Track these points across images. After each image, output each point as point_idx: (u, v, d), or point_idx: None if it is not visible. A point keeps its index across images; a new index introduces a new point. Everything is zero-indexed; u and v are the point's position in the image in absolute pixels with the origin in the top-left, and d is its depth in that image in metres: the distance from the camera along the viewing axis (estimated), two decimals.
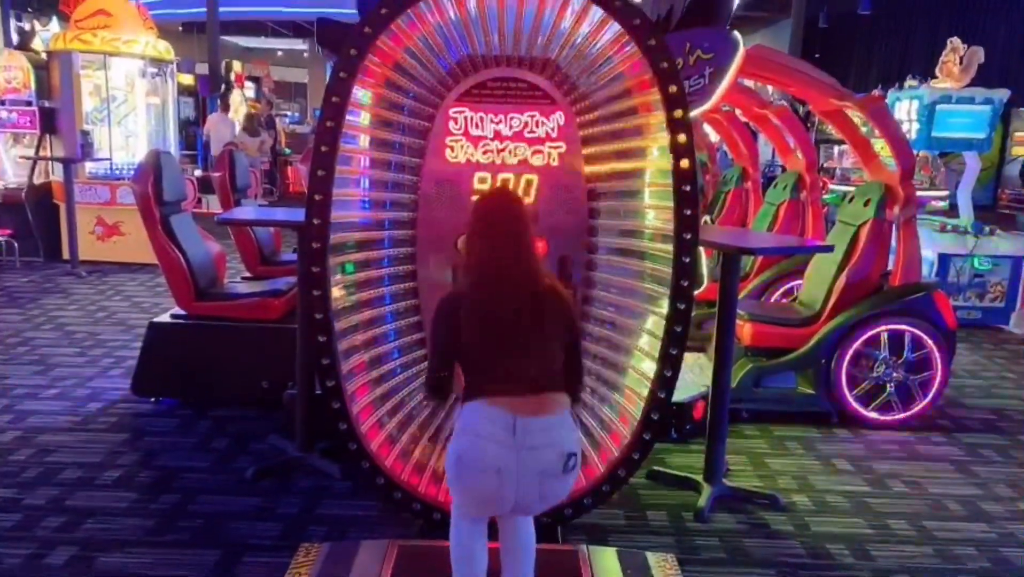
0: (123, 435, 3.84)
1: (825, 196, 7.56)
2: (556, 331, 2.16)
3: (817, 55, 18.11)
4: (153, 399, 4.25)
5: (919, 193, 4.96)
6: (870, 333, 4.23)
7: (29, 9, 14.86)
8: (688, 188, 2.72)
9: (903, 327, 4.24)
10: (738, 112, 6.33)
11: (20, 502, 3.15)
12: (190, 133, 14.19)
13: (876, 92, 8.67)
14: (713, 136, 7.71)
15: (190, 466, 3.52)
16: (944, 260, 6.44)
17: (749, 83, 6.22)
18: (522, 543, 2.29)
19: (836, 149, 11.06)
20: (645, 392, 2.85)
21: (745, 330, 4.30)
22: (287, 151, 15.38)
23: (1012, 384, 5.20)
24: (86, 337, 5.43)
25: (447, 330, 2.17)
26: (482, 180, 2.93)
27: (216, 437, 3.84)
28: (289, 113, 23.15)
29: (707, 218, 6.67)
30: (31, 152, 8.11)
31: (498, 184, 2.91)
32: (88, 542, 2.87)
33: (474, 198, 2.83)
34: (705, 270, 4.09)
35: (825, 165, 10.66)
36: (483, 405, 2.08)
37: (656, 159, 2.88)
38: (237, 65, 16.63)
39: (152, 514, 3.09)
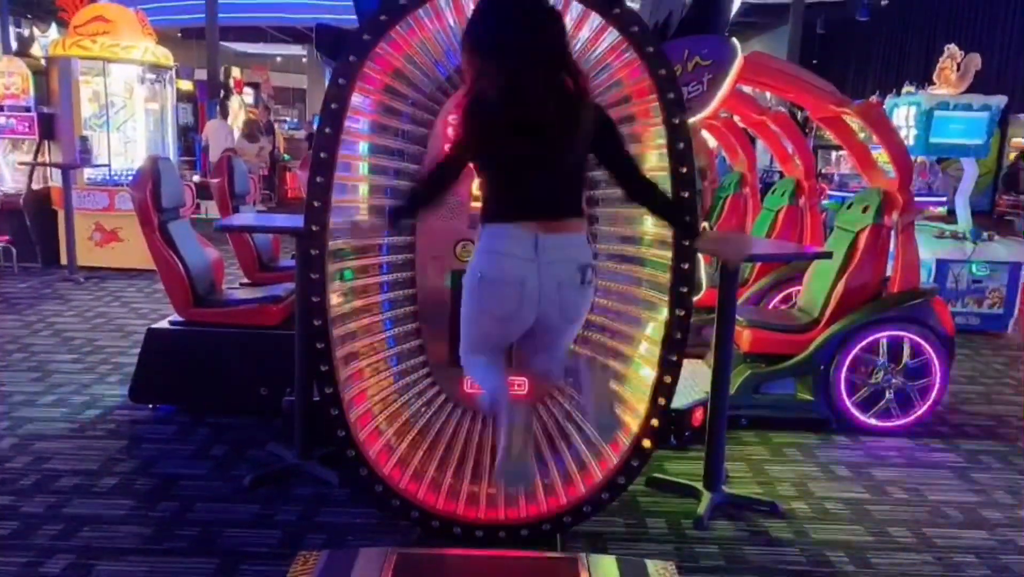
0: (121, 442, 3.83)
1: (823, 202, 7.58)
2: (580, 154, 2.21)
3: (815, 61, 18.20)
4: (151, 406, 4.24)
5: (917, 199, 4.97)
6: (869, 339, 4.23)
7: (28, 15, 14.90)
8: (687, 195, 2.72)
9: (902, 333, 4.24)
10: (736, 118, 6.34)
11: (17, 509, 3.14)
12: (189, 139, 14.18)
13: (874, 98, 8.71)
14: (712, 142, 7.72)
15: (188, 473, 3.51)
16: (942, 266, 6.44)
17: (747, 89, 6.24)
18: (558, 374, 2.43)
19: (834, 155, 11.10)
20: (644, 399, 2.84)
21: (744, 336, 4.30)
22: (286, 157, 15.38)
23: (1011, 390, 5.20)
24: (84, 343, 5.42)
25: (466, 139, 2.19)
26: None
27: (214, 444, 3.83)
28: (288, 119, 23.18)
29: (705, 224, 6.67)
30: (29, 158, 8.10)
31: None
32: (85, 550, 2.86)
33: (474, 204, 2.84)
34: (704, 276, 4.11)
35: (823, 171, 10.68)
36: (506, 226, 2.16)
37: (654, 165, 2.87)
38: (236, 71, 16.63)
39: (150, 522, 3.08)
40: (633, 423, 2.87)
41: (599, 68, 2.87)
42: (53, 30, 10.21)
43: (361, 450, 2.83)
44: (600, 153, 2.27)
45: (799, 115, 10.12)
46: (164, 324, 4.32)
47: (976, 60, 6.59)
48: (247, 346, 4.15)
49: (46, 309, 6.33)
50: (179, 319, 4.28)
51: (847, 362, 4.22)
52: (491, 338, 2.27)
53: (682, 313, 2.77)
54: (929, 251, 6.31)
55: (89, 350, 5.27)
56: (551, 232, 2.16)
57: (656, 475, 3.53)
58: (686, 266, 2.75)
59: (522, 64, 2.11)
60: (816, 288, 4.58)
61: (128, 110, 8.75)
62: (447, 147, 2.29)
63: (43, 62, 8.42)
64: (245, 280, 5.29)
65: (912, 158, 5.32)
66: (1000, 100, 6.58)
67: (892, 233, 4.47)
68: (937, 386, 4.26)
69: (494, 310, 2.21)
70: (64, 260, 7.65)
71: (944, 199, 8.71)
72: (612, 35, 2.76)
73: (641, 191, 2.32)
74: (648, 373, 2.86)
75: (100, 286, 7.24)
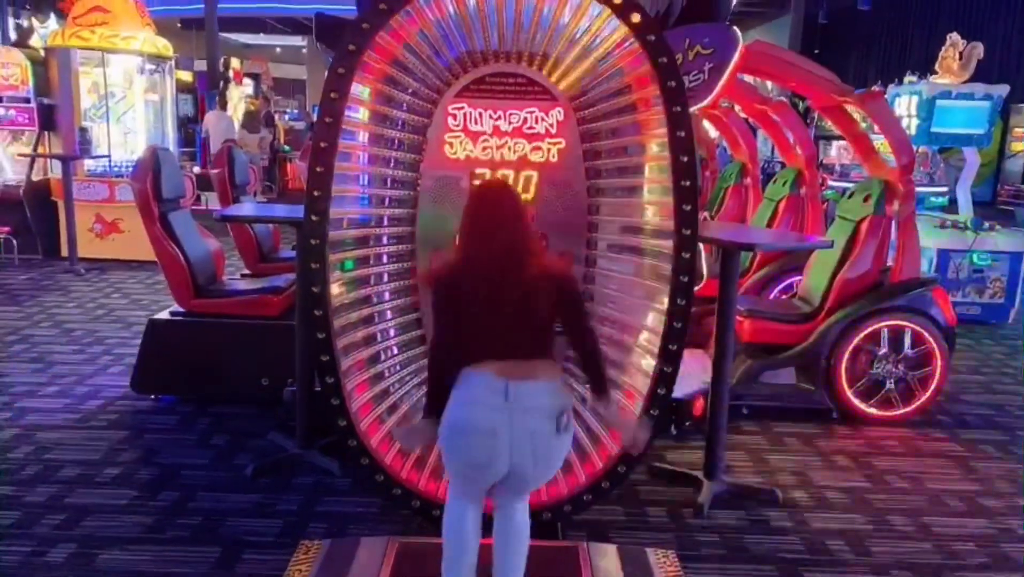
0: (123, 432, 3.84)
1: (824, 192, 7.56)
2: (545, 320, 2.18)
3: (817, 51, 18.11)
4: (152, 396, 4.25)
5: (918, 189, 4.96)
6: (870, 329, 4.23)
7: (27, 6, 14.84)
8: (687, 183, 2.72)
9: (903, 323, 4.24)
10: (737, 108, 6.31)
11: (20, 499, 3.15)
12: (189, 130, 14.14)
13: (876, 88, 8.67)
14: (713, 132, 7.70)
15: (190, 463, 3.52)
16: (943, 256, 6.43)
17: (748, 79, 6.21)
18: (516, 530, 2.29)
19: (834, 145, 11.05)
20: (645, 388, 2.85)
21: (744, 326, 4.30)
22: (286, 148, 15.34)
23: (1011, 380, 5.20)
24: (85, 334, 5.43)
25: (447, 305, 2.20)
26: (481, 176, 2.92)
27: (216, 434, 3.84)
28: (288, 110, 23.10)
29: (706, 214, 6.66)
30: (29, 149, 8.09)
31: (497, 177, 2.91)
32: (88, 539, 2.87)
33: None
34: (705, 266, 4.10)
35: (824, 161, 10.66)
36: (474, 373, 2.12)
37: (655, 154, 2.87)
38: (236, 62, 16.54)
39: (152, 511, 3.09)
40: (634, 412, 2.87)
41: (600, 57, 2.86)
42: (52, 21, 10.15)
43: (362, 440, 2.84)
44: (561, 319, 2.23)
45: (800, 105, 10.08)
46: (165, 315, 4.33)
47: (978, 49, 6.56)
48: (248, 336, 4.15)
49: (47, 300, 6.34)
50: (180, 310, 4.29)
51: (848, 352, 4.22)
52: (468, 482, 2.23)
53: (683, 303, 2.77)
54: (930, 241, 6.30)
55: (90, 341, 5.28)
56: (522, 378, 2.09)
57: (657, 464, 3.54)
58: (687, 255, 2.75)
59: (479, 257, 2.16)
60: (817, 278, 4.57)
61: (128, 101, 8.73)
62: (434, 337, 2.28)
63: (42, 53, 8.40)
64: (246, 271, 5.29)
65: (914, 148, 5.31)
66: (1002, 89, 6.55)
67: (893, 223, 4.46)
68: (938, 376, 4.27)
69: (466, 459, 2.16)
70: (65, 252, 7.65)
71: (945, 189, 8.69)
72: (613, 23, 2.75)
73: (583, 363, 2.27)
74: (649, 363, 2.86)
75: (101, 277, 7.24)
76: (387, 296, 2.97)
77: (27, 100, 8.05)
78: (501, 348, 2.13)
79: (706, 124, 7.29)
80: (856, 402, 4.26)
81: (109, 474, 3.39)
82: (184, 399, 4.23)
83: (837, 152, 10.92)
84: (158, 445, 3.71)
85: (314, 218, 2.75)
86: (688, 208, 2.72)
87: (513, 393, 2.08)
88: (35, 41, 9.11)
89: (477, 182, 2.84)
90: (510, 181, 2.90)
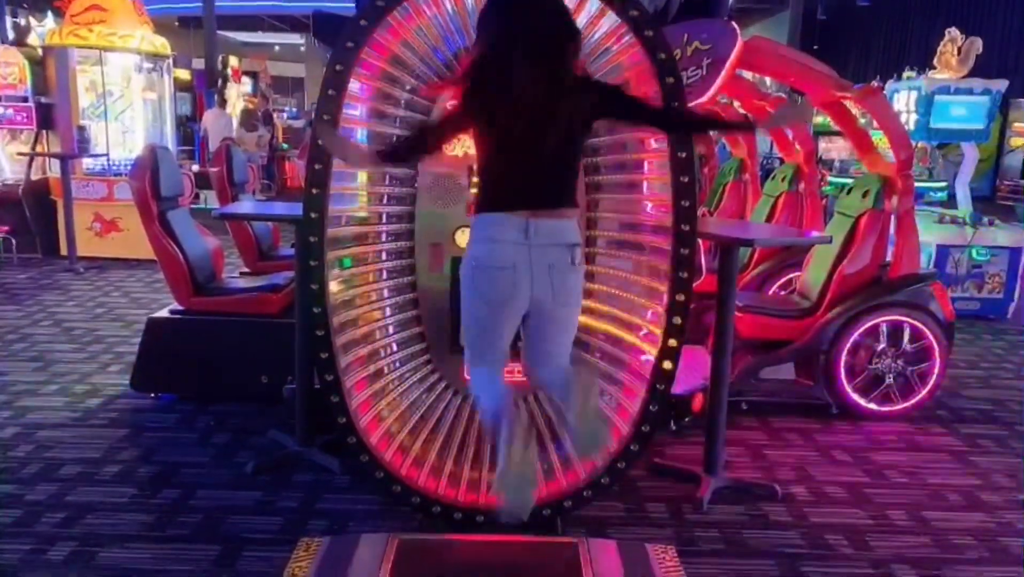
0: (122, 431, 3.84)
1: (823, 188, 7.56)
2: (575, 122, 2.21)
3: (816, 47, 18.10)
4: (152, 394, 4.25)
5: (917, 184, 4.96)
6: (868, 324, 4.23)
7: (24, 5, 14.81)
8: (686, 179, 2.72)
9: (902, 318, 4.24)
10: (736, 104, 6.31)
11: (21, 498, 3.15)
12: (187, 129, 14.13)
13: (874, 83, 8.66)
14: None
15: (190, 461, 3.52)
16: (942, 251, 6.43)
17: (747, 75, 6.21)
18: (569, 375, 2.32)
19: (823, 144, 11.03)
20: (644, 385, 2.85)
21: (743, 322, 4.30)
22: (285, 146, 15.34)
23: (1010, 374, 5.21)
24: (85, 333, 5.43)
25: (468, 98, 2.22)
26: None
27: (216, 432, 3.84)
28: (287, 108, 23.08)
29: (705, 209, 6.66)
30: (27, 148, 8.08)
31: None
32: (88, 537, 2.88)
33: (472, 191, 2.83)
34: (704, 262, 4.11)
35: (823, 157, 10.65)
36: (497, 215, 2.21)
37: (654, 150, 2.87)
38: (234, 60, 16.52)
39: (152, 509, 3.09)
40: (633, 408, 2.88)
41: (598, 52, 2.86)
42: (49, 19, 10.14)
43: (362, 437, 2.84)
44: (617, 115, 2.33)
45: (799, 101, 10.07)
46: (164, 313, 4.32)
47: (977, 44, 6.55)
48: (247, 334, 4.15)
49: (47, 299, 6.34)
50: (179, 308, 4.29)
51: (847, 347, 4.22)
52: (489, 331, 2.28)
53: (682, 299, 2.77)
54: (929, 236, 6.30)
55: (90, 340, 5.28)
56: (541, 218, 2.20)
57: (656, 460, 3.55)
58: (685, 251, 2.75)
59: (511, 52, 2.16)
60: (816, 274, 4.57)
61: (126, 99, 8.71)
62: (447, 109, 2.36)
63: (40, 52, 8.39)
64: (245, 269, 5.29)
65: (912, 143, 5.30)
66: (1001, 84, 6.55)
67: (892, 218, 4.46)
68: (937, 371, 4.27)
69: (489, 295, 2.24)
70: (64, 250, 7.65)
71: (944, 184, 8.69)
72: (611, 19, 2.75)
73: (686, 124, 2.39)
74: (648, 359, 2.86)
75: (100, 276, 7.24)
76: (386, 293, 2.97)
77: (25, 99, 8.05)
78: (527, 191, 2.19)
79: None
80: (855, 397, 4.26)
81: (109, 472, 3.40)
82: (184, 397, 4.23)
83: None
84: (158, 443, 3.71)
85: (312, 215, 2.75)
86: (686, 204, 2.73)
87: (533, 229, 2.18)
88: (32, 40, 9.10)
89: None
90: None
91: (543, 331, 2.32)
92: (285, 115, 20.61)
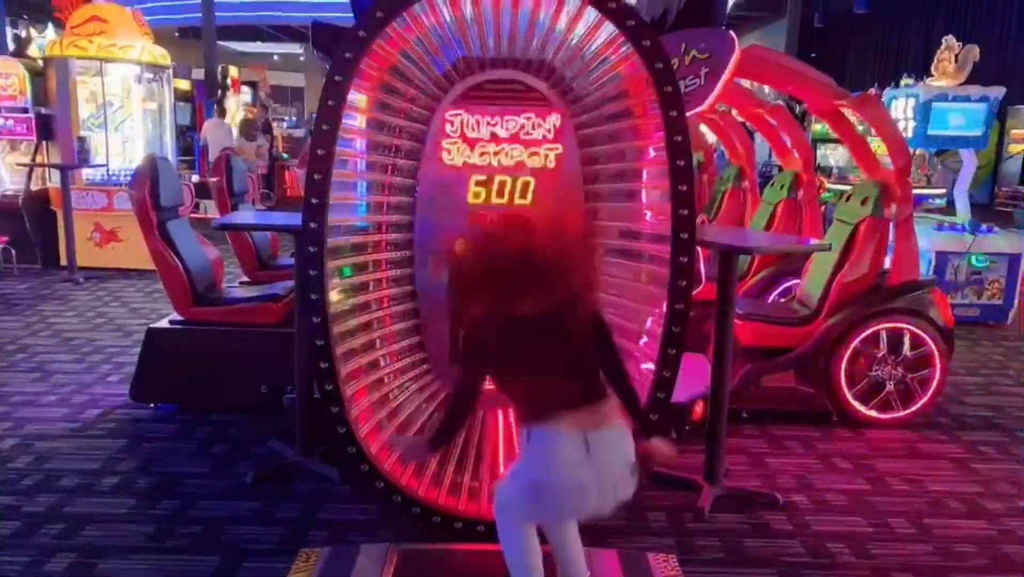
0: (122, 441, 3.84)
1: (823, 195, 7.57)
2: (584, 344, 2.18)
3: (813, 55, 18.16)
4: (152, 405, 4.25)
5: (916, 191, 4.96)
6: (868, 331, 4.23)
7: (25, 16, 14.87)
8: (684, 188, 2.73)
9: (901, 325, 4.24)
10: (734, 112, 6.33)
11: (19, 509, 3.15)
12: (187, 139, 14.16)
13: (872, 91, 8.68)
14: (711, 137, 7.72)
15: (190, 471, 3.52)
16: (941, 258, 6.43)
17: (746, 83, 6.23)
18: (572, 542, 2.37)
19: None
20: (644, 393, 2.84)
21: (743, 330, 4.30)
22: (284, 156, 15.36)
23: (1011, 381, 5.20)
24: (84, 344, 5.42)
25: (475, 359, 2.21)
26: (479, 182, 2.92)
27: (215, 442, 3.84)
28: (286, 118, 23.13)
29: (704, 217, 6.67)
30: (27, 159, 8.10)
31: (495, 189, 2.88)
32: (88, 549, 2.87)
33: (472, 200, 2.83)
34: (703, 270, 4.10)
35: (821, 164, 10.66)
36: (551, 429, 2.10)
37: (653, 159, 2.88)
38: (233, 70, 16.59)
39: (152, 520, 3.09)
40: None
41: (596, 62, 2.87)
42: (50, 31, 10.18)
43: (362, 447, 2.84)
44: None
45: (797, 108, 10.11)
46: (164, 323, 4.32)
47: (974, 51, 6.58)
48: (247, 344, 4.15)
49: (46, 310, 6.33)
50: (179, 318, 4.29)
51: (847, 354, 4.22)
52: (540, 520, 2.28)
53: (681, 307, 2.77)
54: (928, 243, 6.31)
55: (89, 350, 5.28)
56: (597, 427, 2.10)
57: (657, 469, 3.53)
58: (685, 259, 2.75)
59: (517, 294, 2.12)
60: (815, 281, 4.57)
61: (126, 110, 8.74)
62: (464, 368, 2.28)
63: (40, 63, 8.41)
64: (245, 278, 5.29)
65: (911, 150, 5.31)
66: (998, 91, 6.56)
67: (891, 225, 4.47)
68: (937, 377, 4.27)
69: (553, 511, 2.21)
70: (64, 261, 7.65)
71: (943, 191, 8.70)
72: (609, 29, 2.76)
73: (616, 383, 2.27)
74: (648, 368, 2.86)
75: (100, 286, 7.24)
76: (386, 303, 2.97)
77: (25, 110, 8.06)
78: (561, 395, 2.12)
79: (704, 129, 7.31)
80: (855, 404, 4.26)
81: (109, 483, 3.39)
82: (183, 407, 4.22)
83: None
84: (157, 454, 3.71)
85: (312, 225, 2.76)
86: (685, 212, 2.73)
87: (593, 446, 2.09)
88: (33, 51, 9.13)
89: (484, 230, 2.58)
90: (507, 188, 2.90)
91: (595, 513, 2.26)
92: (285, 124, 20.66)
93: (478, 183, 2.92)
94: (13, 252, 7.70)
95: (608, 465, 2.11)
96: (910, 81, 7.87)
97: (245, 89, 17.36)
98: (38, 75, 8.21)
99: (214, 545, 2.92)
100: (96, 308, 6.44)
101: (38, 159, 8.08)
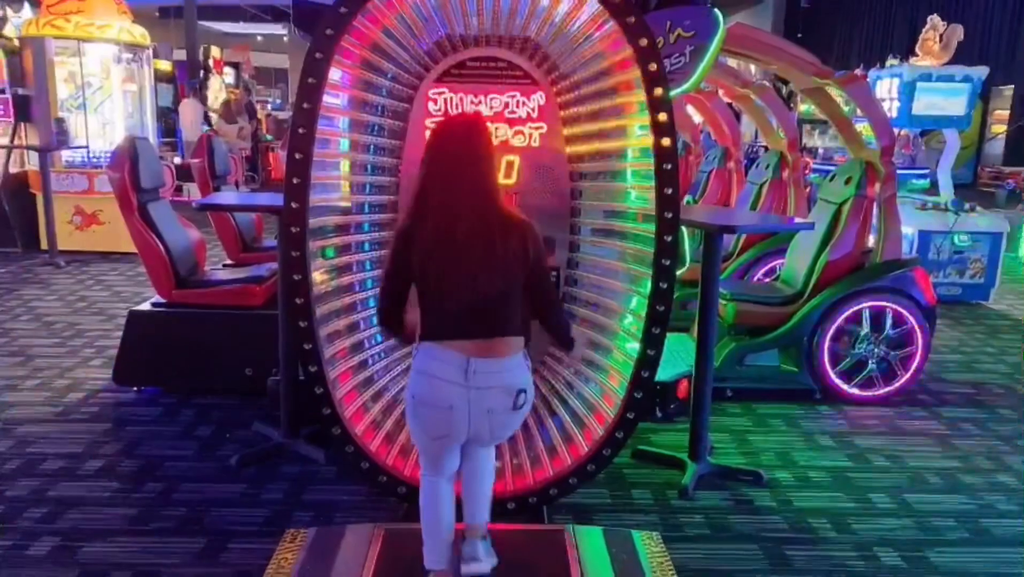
0: (105, 425, 3.81)
1: (808, 176, 7.59)
2: (512, 266, 2.13)
3: (799, 34, 18.14)
4: (135, 388, 4.22)
5: (899, 171, 4.98)
6: (852, 310, 4.26)
7: None
8: (669, 167, 2.71)
9: (884, 304, 4.28)
10: (720, 92, 6.32)
11: (2, 494, 3.12)
12: (169, 120, 13.97)
13: (858, 71, 8.70)
14: (696, 118, 7.71)
15: (174, 454, 3.50)
16: (924, 237, 6.49)
17: (732, 63, 6.21)
18: (477, 468, 2.37)
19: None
20: (629, 372, 2.85)
21: (728, 309, 4.32)
22: (268, 137, 15.20)
23: (991, 358, 5.27)
24: (66, 327, 5.37)
25: (396, 262, 2.19)
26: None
27: (200, 425, 3.82)
28: (270, 99, 22.87)
29: (689, 198, 6.68)
30: (5, 141, 7.97)
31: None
32: (71, 532, 2.85)
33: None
34: (688, 250, 4.11)
35: (807, 144, 10.70)
36: (438, 347, 2.14)
37: (638, 138, 2.86)
38: (216, 51, 16.32)
39: (136, 503, 3.07)
40: (618, 395, 2.88)
41: (580, 40, 2.85)
42: (26, 10, 9.97)
43: (347, 428, 2.83)
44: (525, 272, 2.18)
45: (783, 89, 10.11)
46: (146, 306, 4.29)
47: (958, 31, 6.59)
48: (231, 327, 4.12)
49: (27, 294, 6.26)
50: (161, 301, 4.25)
51: (830, 333, 4.25)
52: (431, 453, 2.28)
53: (665, 286, 2.77)
54: (911, 222, 6.35)
55: (71, 334, 5.23)
56: (483, 356, 2.11)
57: (641, 447, 3.56)
58: (668, 238, 2.75)
59: (448, 195, 2.11)
60: (799, 260, 4.60)
61: (105, 91, 8.59)
62: (384, 274, 2.27)
63: (16, 43, 8.25)
64: (228, 260, 5.25)
65: (895, 130, 5.33)
66: (982, 71, 6.59)
67: (875, 205, 4.49)
68: (919, 355, 4.31)
69: (428, 426, 2.21)
70: (44, 244, 7.56)
71: (926, 171, 8.75)
72: (593, 6, 2.73)
73: (546, 316, 2.29)
74: (633, 346, 2.86)
75: (81, 270, 7.16)
76: (369, 283, 2.96)
77: (2, 91, 7.92)
78: (466, 321, 2.12)
79: (690, 109, 7.30)
80: (838, 382, 4.30)
81: (92, 467, 3.37)
82: (167, 390, 4.20)
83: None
84: (141, 437, 3.68)
85: (294, 205, 2.73)
86: (670, 191, 2.72)
87: (473, 370, 2.11)
88: (9, 31, 8.93)
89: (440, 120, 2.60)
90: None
91: (477, 450, 2.33)
92: (269, 106, 20.43)
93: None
94: None
95: (484, 393, 2.12)
96: (895, 61, 7.88)
97: (228, 70, 17.13)
98: (15, 55, 8.06)
99: (199, 527, 2.91)
100: (78, 292, 6.37)
101: (16, 141, 7.95)
